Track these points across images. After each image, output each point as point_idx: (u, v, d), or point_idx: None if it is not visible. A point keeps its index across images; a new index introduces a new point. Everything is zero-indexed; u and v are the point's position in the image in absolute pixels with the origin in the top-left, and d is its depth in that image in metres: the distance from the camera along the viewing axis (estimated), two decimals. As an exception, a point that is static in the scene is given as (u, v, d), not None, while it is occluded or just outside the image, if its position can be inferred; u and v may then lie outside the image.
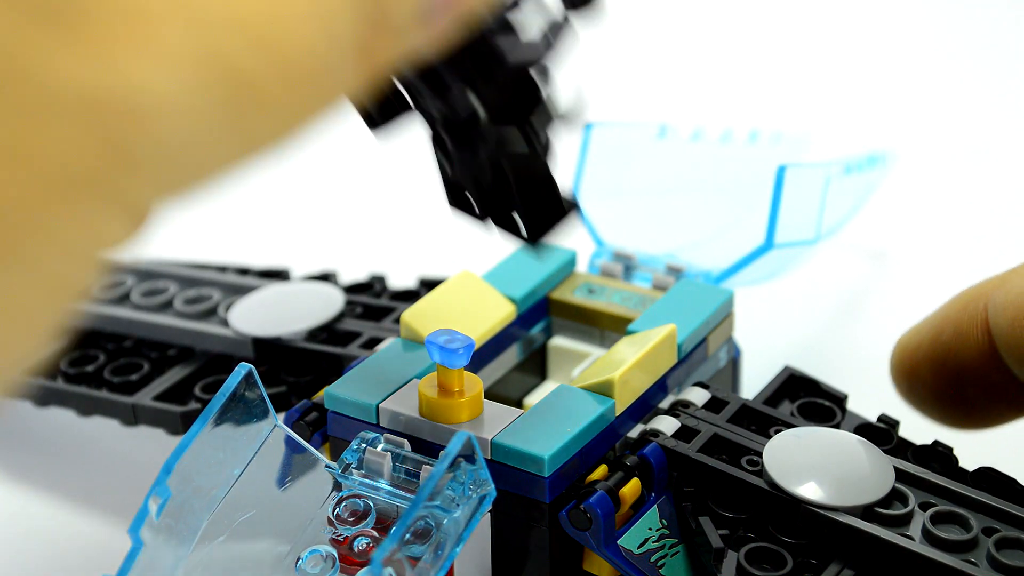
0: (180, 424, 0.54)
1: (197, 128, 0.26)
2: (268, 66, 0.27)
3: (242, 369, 0.45)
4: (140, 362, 0.57)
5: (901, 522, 0.44)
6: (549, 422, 0.47)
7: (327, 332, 0.57)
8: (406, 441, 0.47)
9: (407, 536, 0.42)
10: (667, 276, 0.56)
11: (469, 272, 0.54)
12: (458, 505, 0.43)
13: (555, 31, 0.40)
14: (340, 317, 0.57)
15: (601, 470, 0.47)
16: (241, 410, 0.45)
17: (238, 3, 0.26)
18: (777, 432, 0.48)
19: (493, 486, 0.43)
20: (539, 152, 0.42)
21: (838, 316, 0.71)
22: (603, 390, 0.48)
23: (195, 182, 0.28)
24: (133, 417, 0.55)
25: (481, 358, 0.52)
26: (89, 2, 0.25)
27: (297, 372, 0.56)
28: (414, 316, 0.51)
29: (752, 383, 0.58)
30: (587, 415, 0.47)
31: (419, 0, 0.30)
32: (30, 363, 0.27)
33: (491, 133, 0.42)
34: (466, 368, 0.47)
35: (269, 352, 0.56)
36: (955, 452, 0.49)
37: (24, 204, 0.25)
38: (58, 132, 0.24)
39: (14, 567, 0.56)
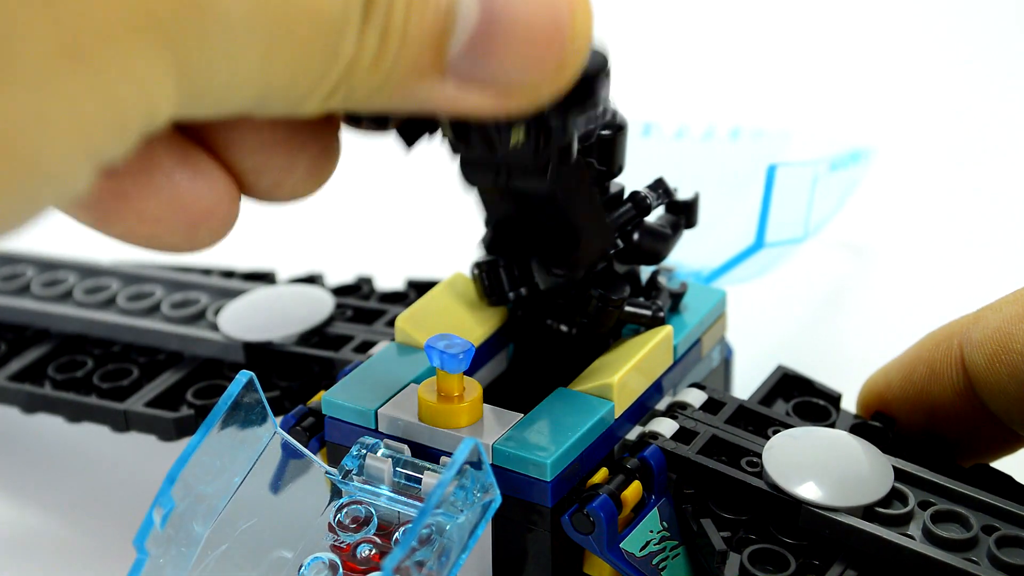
0: (173, 430, 0.53)
1: (245, 37, 0.31)
2: (300, 10, 0.31)
3: (243, 377, 0.44)
4: (129, 367, 0.57)
5: (902, 521, 0.45)
6: (549, 426, 0.46)
7: (318, 336, 0.56)
8: (406, 447, 0.46)
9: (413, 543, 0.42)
10: (659, 277, 0.55)
11: (461, 274, 0.54)
12: (462, 511, 0.43)
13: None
14: (330, 320, 0.57)
15: (602, 473, 0.47)
16: (241, 417, 0.45)
17: None
18: (775, 432, 0.48)
19: (499, 492, 0.43)
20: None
21: (823, 313, 0.71)
22: (602, 393, 0.48)
23: (223, 103, 0.32)
24: (124, 423, 0.55)
25: (476, 360, 0.51)
26: None
27: (289, 376, 0.55)
28: (408, 320, 0.51)
29: (741, 381, 0.58)
30: (587, 418, 0.47)
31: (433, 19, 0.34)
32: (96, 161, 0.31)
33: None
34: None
35: (260, 356, 0.56)
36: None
37: (101, 31, 0.29)
38: None
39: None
